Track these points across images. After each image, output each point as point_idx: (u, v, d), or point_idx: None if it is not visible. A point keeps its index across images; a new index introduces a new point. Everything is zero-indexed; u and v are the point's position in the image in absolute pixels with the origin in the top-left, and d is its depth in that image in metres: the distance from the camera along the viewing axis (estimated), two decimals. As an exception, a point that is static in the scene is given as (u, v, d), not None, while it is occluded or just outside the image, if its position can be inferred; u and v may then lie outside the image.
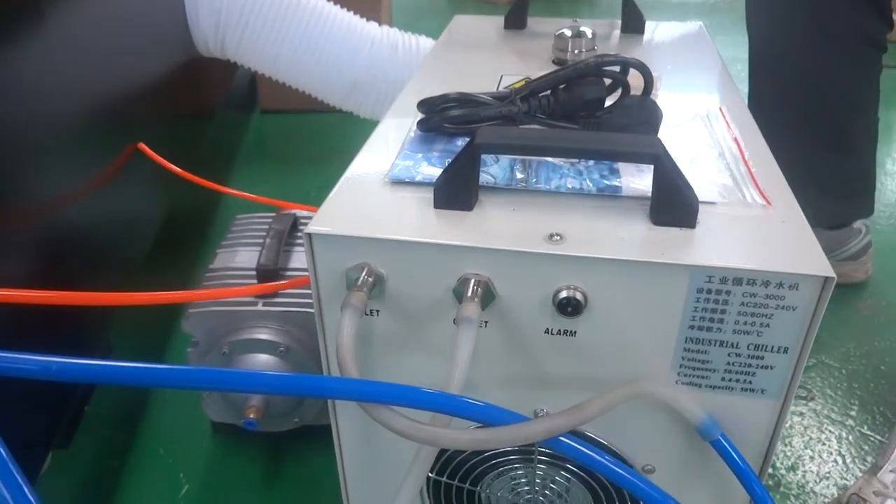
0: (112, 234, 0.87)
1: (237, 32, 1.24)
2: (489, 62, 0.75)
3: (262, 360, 0.76)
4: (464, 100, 0.56)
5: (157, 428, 0.91)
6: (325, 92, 1.33)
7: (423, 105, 0.58)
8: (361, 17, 1.35)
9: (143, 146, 0.92)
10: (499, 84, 0.69)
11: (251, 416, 0.74)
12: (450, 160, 0.48)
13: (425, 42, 1.37)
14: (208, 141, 1.46)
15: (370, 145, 0.57)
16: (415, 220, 0.47)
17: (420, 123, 0.57)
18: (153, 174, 0.96)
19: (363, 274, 0.46)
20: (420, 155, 0.54)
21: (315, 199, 1.44)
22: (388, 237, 0.45)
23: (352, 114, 1.39)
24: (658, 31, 0.85)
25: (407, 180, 0.51)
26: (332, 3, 1.31)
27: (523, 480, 0.56)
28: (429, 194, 0.48)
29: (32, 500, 0.29)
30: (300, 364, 0.76)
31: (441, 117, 0.56)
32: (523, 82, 0.68)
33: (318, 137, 1.74)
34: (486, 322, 0.47)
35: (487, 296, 0.45)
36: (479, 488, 0.57)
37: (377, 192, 0.50)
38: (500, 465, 0.55)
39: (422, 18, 2.71)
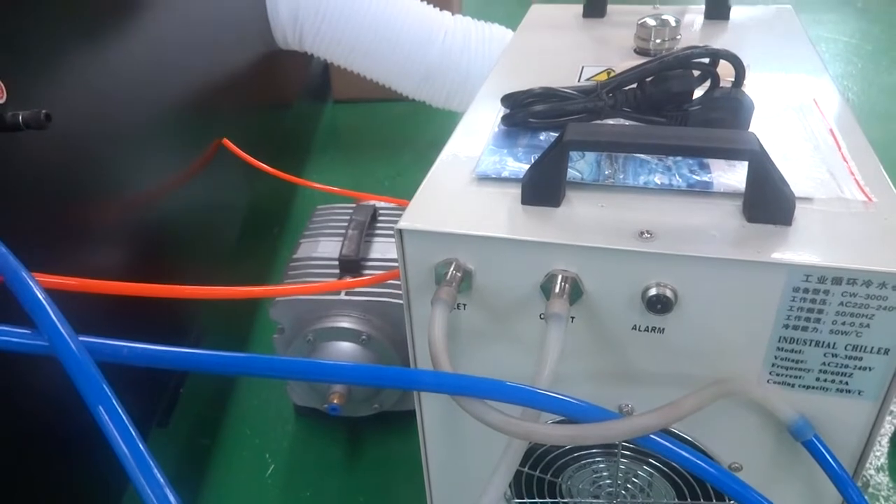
0: (202, 225, 0.91)
1: (315, 25, 1.26)
2: (569, 53, 0.75)
3: (345, 348, 0.78)
4: (548, 94, 0.56)
5: (245, 410, 0.95)
6: (398, 82, 1.35)
7: (508, 100, 0.58)
8: (434, 6, 1.36)
9: (227, 142, 0.95)
10: (580, 76, 0.68)
11: (335, 401, 0.77)
12: (536, 156, 0.49)
13: (498, 31, 1.36)
14: (286, 131, 1.51)
15: (455, 140, 0.58)
16: (503, 217, 0.48)
17: (504, 119, 0.58)
18: (237, 167, 1.00)
19: (452, 269, 0.47)
20: (505, 150, 0.55)
21: (389, 188, 1.47)
22: (477, 233, 0.46)
23: (423, 103, 1.41)
24: (744, 16, 0.83)
25: (493, 176, 0.52)
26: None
27: (605, 474, 0.57)
28: (516, 190, 0.49)
29: (161, 479, 0.31)
30: (381, 352, 0.78)
31: (526, 112, 0.56)
32: (605, 74, 0.68)
33: (390, 126, 1.77)
34: (573, 318, 0.47)
35: (575, 292, 0.45)
36: (560, 479, 0.58)
37: (465, 188, 0.51)
38: (582, 458, 0.56)
39: (492, 4, 2.69)
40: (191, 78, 0.89)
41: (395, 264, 0.83)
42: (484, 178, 0.52)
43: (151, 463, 0.32)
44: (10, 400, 0.52)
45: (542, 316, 0.47)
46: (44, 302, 0.37)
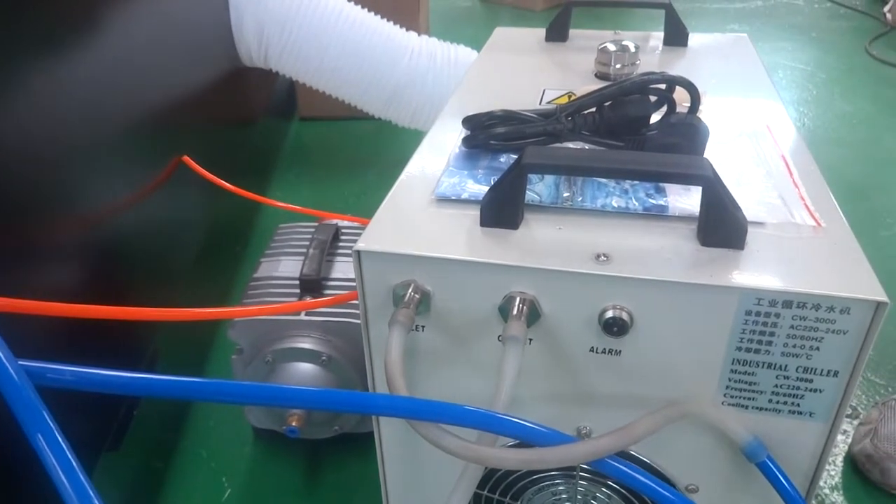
0: (158, 244, 0.89)
1: (280, 43, 1.26)
2: (531, 76, 0.76)
3: (305, 369, 0.77)
4: (508, 117, 0.57)
5: (201, 432, 0.93)
6: (364, 101, 1.35)
7: (468, 122, 0.59)
8: (400, 26, 1.36)
9: (187, 159, 0.94)
10: (542, 98, 0.69)
11: (293, 423, 0.76)
12: (495, 178, 0.49)
13: (464, 52, 1.37)
14: (250, 148, 1.49)
15: (415, 161, 0.58)
16: (461, 239, 0.47)
17: (465, 140, 0.58)
18: (197, 184, 0.99)
19: (410, 291, 0.47)
20: (465, 172, 0.55)
21: (353, 206, 1.47)
22: (435, 255, 0.46)
23: (389, 122, 1.41)
24: (702, 43, 0.85)
25: (453, 198, 0.52)
26: (371, 13, 1.33)
27: (564, 496, 0.56)
28: (475, 212, 0.49)
29: (96, 500, 0.30)
30: (342, 373, 0.77)
31: (486, 134, 0.56)
32: (566, 97, 0.69)
33: (355, 144, 1.77)
34: (531, 340, 0.47)
35: (533, 314, 0.45)
36: (519, 502, 0.57)
37: (424, 210, 0.51)
38: (541, 480, 0.55)
39: (457, 25, 2.72)
40: (150, 94, 0.88)
41: (349, 283, 0.82)
42: (443, 200, 0.52)
43: (92, 494, 0.30)
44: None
45: (500, 338, 0.47)
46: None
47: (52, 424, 0.32)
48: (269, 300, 0.81)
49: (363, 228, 0.89)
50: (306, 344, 0.76)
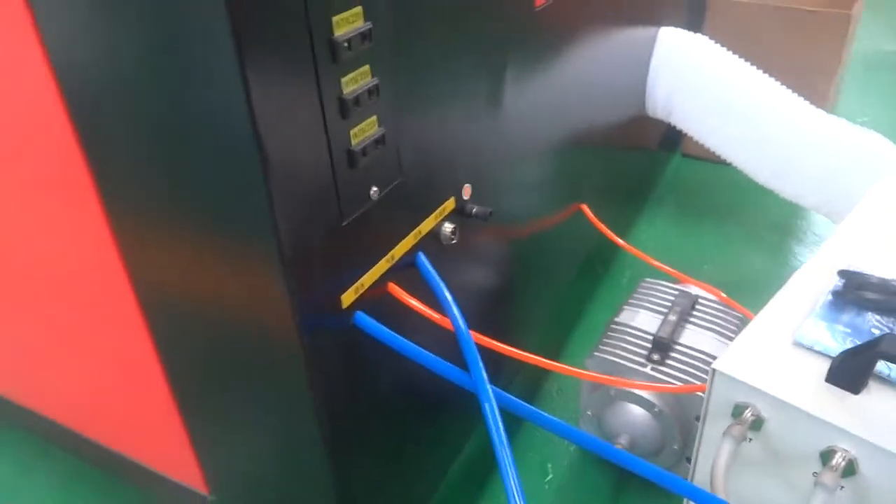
0: (541, 272, 1.13)
1: (687, 106, 1.40)
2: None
3: (637, 412, 0.94)
4: (884, 288, 0.64)
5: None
6: (751, 168, 1.42)
7: (844, 275, 0.68)
8: (816, 78, 1.38)
9: (584, 207, 1.15)
10: (929, 257, 0.73)
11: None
12: (853, 340, 0.58)
13: (869, 140, 1.35)
14: (631, 177, 1.66)
15: (786, 292, 0.69)
16: (806, 388, 0.59)
17: (835, 293, 0.67)
18: (583, 227, 1.20)
19: (748, 412, 0.60)
20: (826, 325, 0.64)
21: (711, 257, 1.56)
22: (778, 396, 0.58)
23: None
24: None
25: (808, 347, 0.62)
26: (786, 88, 1.37)
27: None
28: (824, 365, 0.59)
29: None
30: (666, 426, 0.92)
31: (857, 296, 0.65)
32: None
33: (729, 194, 1.82)
34: (842, 486, 0.57)
35: (849, 469, 0.55)
36: None
37: (780, 348, 0.63)
38: None
39: (878, 71, 2.50)
40: (569, 132, 1.08)
41: (701, 354, 0.95)
42: (799, 346, 0.63)
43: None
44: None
45: (815, 474, 0.58)
46: (477, 358, 0.60)
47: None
48: (623, 346, 0.99)
49: (718, 305, 1.01)
50: (647, 393, 0.92)
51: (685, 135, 1.97)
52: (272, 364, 0.60)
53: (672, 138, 2.05)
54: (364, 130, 0.57)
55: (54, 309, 0.78)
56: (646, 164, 1.81)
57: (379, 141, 0.58)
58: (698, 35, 1.42)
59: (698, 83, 1.38)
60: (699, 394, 0.87)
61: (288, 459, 0.71)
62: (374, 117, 0.57)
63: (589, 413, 1.01)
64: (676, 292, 1.07)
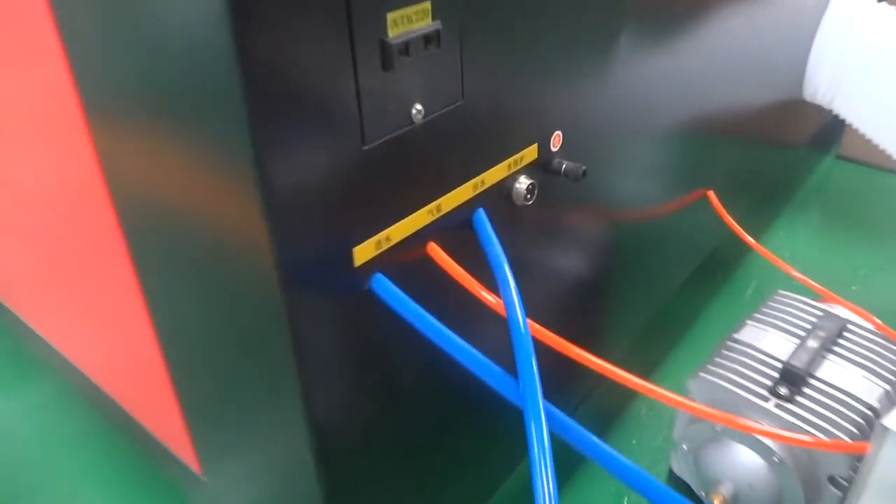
0: (658, 256, 0.93)
1: (852, 93, 1.13)
2: None
3: (750, 457, 0.73)
4: None
5: (625, 447, 0.97)
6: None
7: None
8: None
9: (711, 195, 0.93)
10: None
11: (714, 501, 0.73)
12: None
13: None
14: (772, 176, 1.41)
15: None
16: None
17: None
18: (705, 220, 0.98)
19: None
20: None
21: (855, 295, 1.28)
22: None
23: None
24: None
25: None
26: None
27: None
28: None
29: None
30: (787, 483, 0.71)
31: None
32: None
33: (888, 205, 1.52)
34: None
35: None
36: None
37: None
38: None
39: None
40: (701, 106, 0.89)
41: (844, 396, 0.73)
42: None
43: None
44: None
45: None
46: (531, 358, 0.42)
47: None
48: (741, 370, 0.77)
49: (873, 333, 0.78)
50: (766, 438, 0.71)
51: (845, 132, 1.68)
52: (259, 331, 0.45)
53: (827, 134, 1.74)
54: (409, 19, 0.40)
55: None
56: (792, 160, 1.53)
57: (431, 38, 0.41)
58: (884, 2, 1.15)
59: (877, 63, 1.11)
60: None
61: (279, 479, 0.56)
62: (426, 2, 0.41)
63: (684, 447, 0.80)
64: (821, 313, 0.84)
